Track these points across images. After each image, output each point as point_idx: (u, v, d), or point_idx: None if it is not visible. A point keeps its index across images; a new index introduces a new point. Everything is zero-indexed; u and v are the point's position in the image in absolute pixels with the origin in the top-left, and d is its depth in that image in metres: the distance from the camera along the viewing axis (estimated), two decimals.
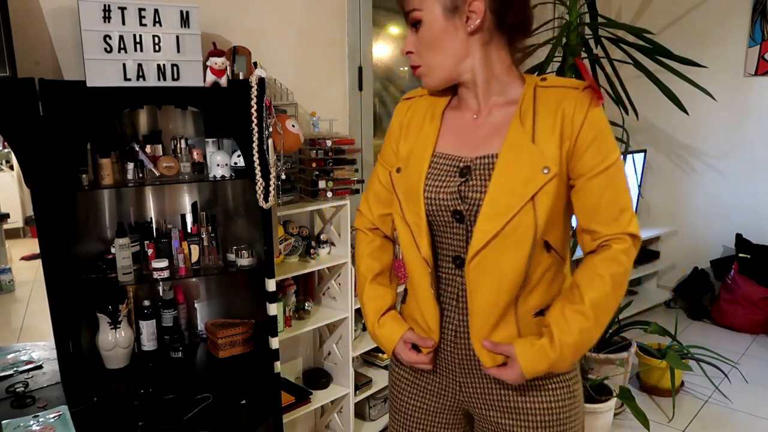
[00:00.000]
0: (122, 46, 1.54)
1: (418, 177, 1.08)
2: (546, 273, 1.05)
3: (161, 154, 1.78)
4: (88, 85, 1.51)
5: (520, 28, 1.06)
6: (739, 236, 3.74)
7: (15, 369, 1.69)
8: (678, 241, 4.12)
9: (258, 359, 1.88)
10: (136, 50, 1.56)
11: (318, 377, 2.35)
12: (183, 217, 1.91)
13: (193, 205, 1.93)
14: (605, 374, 2.60)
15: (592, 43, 2.53)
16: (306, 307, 2.24)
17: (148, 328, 1.83)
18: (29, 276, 1.76)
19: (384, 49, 2.79)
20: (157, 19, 1.57)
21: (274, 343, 1.87)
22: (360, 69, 2.53)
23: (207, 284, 2.04)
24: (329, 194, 2.15)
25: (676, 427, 2.66)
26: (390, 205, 1.21)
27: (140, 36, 1.56)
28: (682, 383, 2.97)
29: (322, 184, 2.13)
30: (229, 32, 2.02)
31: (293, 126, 1.93)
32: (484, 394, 1.13)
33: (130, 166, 1.70)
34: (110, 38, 1.52)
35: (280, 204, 2.01)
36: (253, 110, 1.70)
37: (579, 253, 1.11)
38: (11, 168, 1.74)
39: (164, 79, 1.60)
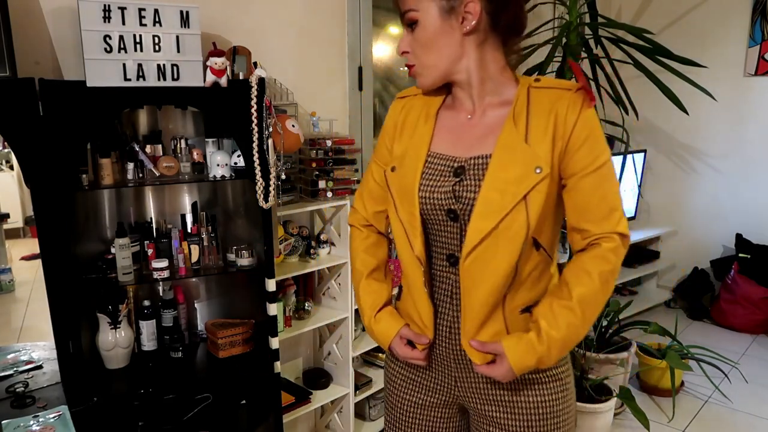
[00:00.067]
0: (122, 46, 1.54)
1: (413, 176, 1.09)
2: (533, 271, 1.07)
3: (161, 154, 1.78)
4: (88, 85, 1.51)
5: (514, 28, 1.07)
6: (739, 236, 3.74)
7: (15, 369, 1.69)
8: (678, 241, 4.12)
9: (258, 359, 1.88)
10: (136, 50, 1.56)
11: (318, 377, 2.35)
12: (183, 217, 1.91)
13: (193, 205, 1.93)
14: (605, 374, 2.60)
15: (592, 43, 2.53)
16: (306, 307, 2.24)
17: (148, 328, 1.83)
18: (29, 276, 1.76)
19: (384, 49, 2.79)
20: (157, 19, 1.57)
21: (274, 343, 1.87)
22: (360, 69, 2.53)
23: (207, 284, 2.04)
24: (329, 194, 2.15)
25: (676, 427, 2.66)
26: (384, 203, 1.23)
27: (140, 36, 1.56)
28: (682, 383, 2.98)
29: (322, 184, 2.13)
30: (229, 32, 2.02)
31: (293, 126, 1.93)
32: (478, 389, 1.15)
33: (130, 166, 1.70)
34: (110, 38, 1.52)
35: (280, 204, 2.01)
36: (253, 110, 1.70)
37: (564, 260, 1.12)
38: (11, 168, 1.74)
39: (164, 79, 1.60)
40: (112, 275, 1.70)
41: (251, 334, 1.92)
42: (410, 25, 1.06)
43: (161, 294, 1.90)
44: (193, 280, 1.99)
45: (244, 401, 1.84)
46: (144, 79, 1.58)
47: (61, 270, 1.53)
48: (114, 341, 1.71)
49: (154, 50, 1.58)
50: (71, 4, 1.54)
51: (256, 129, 1.71)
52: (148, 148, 1.75)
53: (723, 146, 3.85)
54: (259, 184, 1.73)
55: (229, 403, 1.81)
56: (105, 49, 1.52)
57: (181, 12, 1.59)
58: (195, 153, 1.81)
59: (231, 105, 1.70)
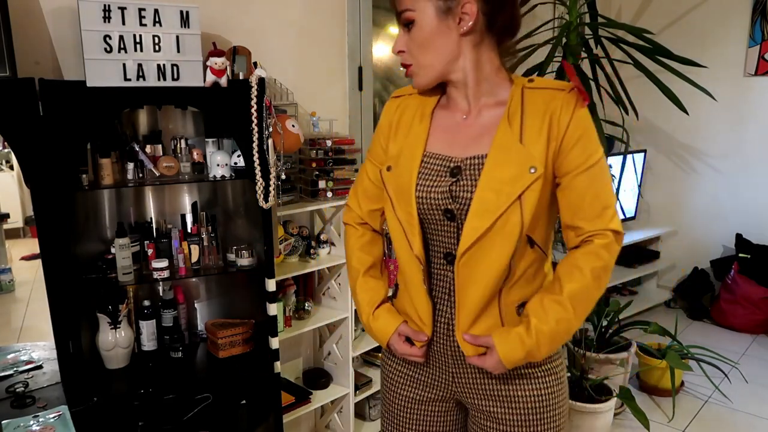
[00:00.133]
0: (122, 46, 1.54)
1: (409, 176, 1.10)
2: (528, 268, 1.09)
3: (161, 154, 1.78)
4: (88, 85, 1.51)
5: (509, 30, 1.09)
6: (739, 236, 3.74)
7: (15, 369, 1.69)
8: (678, 241, 4.12)
9: (258, 359, 1.88)
10: (136, 50, 1.56)
11: (318, 377, 2.35)
12: (183, 217, 1.91)
13: (193, 205, 1.93)
14: (605, 374, 2.60)
15: (592, 43, 2.53)
16: (306, 307, 2.24)
17: (148, 328, 1.83)
18: (29, 276, 1.76)
19: (384, 49, 2.79)
20: (157, 19, 1.57)
21: (274, 343, 1.87)
22: (360, 69, 2.53)
23: (207, 284, 2.04)
24: (329, 194, 2.15)
25: (676, 427, 2.66)
26: (378, 201, 1.24)
27: (140, 36, 1.56)
28: (682, 383, 2.98)
29: (322, 184, 2.14)
30: (229, 32, 2.02)
31: (293, 126, 1.93)
32: (475, 385, 1.16)
33: (130, 166, 1.70)
34: (110, 38, 1.52)
35: (280, 204, 2.01)
36: (253, 110, 1.70)
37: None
38: (11, 168, 1.74)
39: (164, 79, 1.60)
40: (112, 275, 1.70)
41: (251, 334, 1.92)
42: (407, 24, 1.07)
43: (161, 294, 1.90)
44: (193, 280, 1.99)
45: (244, 401, 1.85)
46: (144, 79, 1.58)
47: (61, 270, 1.53)
48: (114, 341, 1.71)
49: (154, 50, 1.58)
50: (71, 4, 1.54)
51: (256, 129, 1.71)
52: (148, 148, 1.75)
53: (723, 146, 3.85)
54: (259, 184, 1.73)
55: (229, 403, 1.81)
56: (105, 49, 1.52)
57: (181, 12, 1.59)
58: (195, 153, 1.81)
59: (231, 105, 1.70)
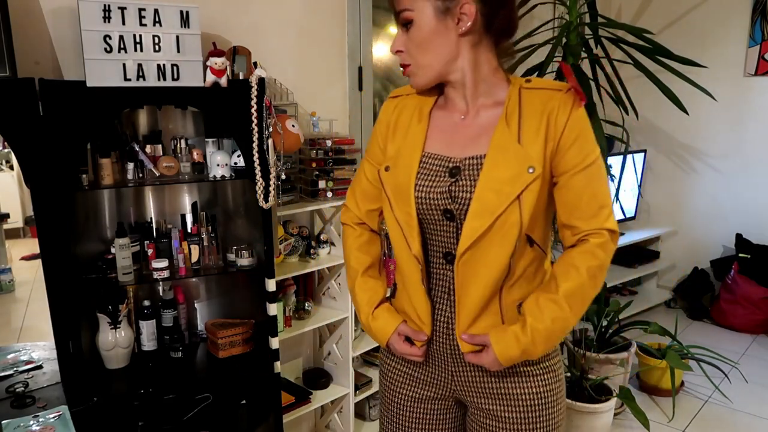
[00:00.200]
0: (122, 46, 1.54)
1: (408, 177, 1.10)
2: (529, 266, 1.10)
3: (161, 154, 1.78)
4: (88, 85, 1.51)
5: (507, 30, 1.09)
6: (739, 236, 3.74)
7: (15, 369, 1.69)
8: (678, 241, 4.12)
9: (258, 359, 1.88)
10: (136, 50, 1.56)
11: (318, 377, 2.35)
12: (183, 217, 1.91)
13: (193, 205, 1.93)
14: (605, 374, 2.60)
15: (592, 43, 2.53)
16: (306, 307, 2.24)
17: (148, 328, 1.83)
18: (29, 276, 1.76)
19: (384, 49, 2.79)
20: (157, 19, 1.57)
21: (274, 343, 1.87)
22: (360, 69, 2.53)
23: (207, 284, 2.04)
24: (329, 194, 2.15)
25: (676, 427, 2.66)
26: (376, 201, 1.24)
27: (140, 36, 1.56)
28: (682, 383, 2.97)
29: (322, 184, 2.14)
30: (229, 32, 2.02)
31: (293, 126, 1.93)
32: (475, 383, 1.17)
33: (130, 166, 1.70)
34: (110, 38, 1.52)
35: (280, 204, 2.01)
36: (253, 110, 1.70)
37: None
38: (11, 168, 1.74)
39: (164, 79, 1.60)
40: (112, 275, 1.70)
41: (251, 334, 1.92)
42: (405, 24, 1.07)
43: (161, 294, 1.90)
44: (193, 280, 1.99)
45: (244, 401, 1.85)
46: (144, 79, 1.58)
47: (61, 270, 1.53)
48: (114, 341, 1.71)
49: (154, 50, 1.58)
50: (71, 4, 1.54)
51: (256, 129, 1.71)
52: (148, 148, 1.75)
53: (723, 146, 3.85)
54: (259, 184, 1.73)
55: (229, 403, 1.81)
56: (105, 49, 1.52)
57: (181, 12, 1.59)
58: (195, 153, 1.81)
59: (231, 105, 1.70)
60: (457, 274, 1.08)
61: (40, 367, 1.71)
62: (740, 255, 3.64)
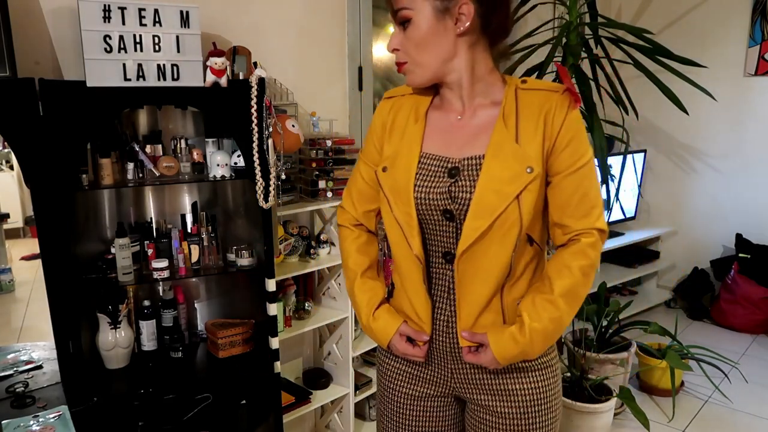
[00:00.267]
0: (122, 46, 1.54)
1: (407, 177, 1.11)
2: (530, 264, 1.12)
3: (161, 154, 1.78)
4: (88, 85, 1.51)
5: (503, 30, 1.11)
6: (739, 236, 3.74)
7: (15, 369, 1.69)
8: (678, 241, 4.12)
9: (258, 359, 1.88)
10: (136, 50, 1.56)
11: (318, 377, 2.35)
12: (183, 217, 1.91)
13: (193, 205, 1.93)
14: (605, 374, 2.60)
15: (592, 43, 2.53)
16: (306, 307, 2.24)
17: (148, 328, 1.83)
18: (29, 276, 1.76)
19: (384, 49, 2.79)
20: (157, 19, 1.57)
21: (274, 343, 1.87)
22: (360, 69, 2.53)
23: (207, 284, 2.04)
24: (329, 194, 2.15)
25: (676, 427, 2.66)
26: (373, 202, 1.25)
27: (140, 36, 1.56)
28: (682, 383, 2.97)
29: (322, 184, 2.14)
30: (229, 32, 2.02)
31: (293, 126, 1.93)
32: (473, 380, 1.18)
33: (130, 166, 1.70)
34: (110, 38, 1.52)
35: (280, 204, 2.01)
36: (253, 110, 1.70)
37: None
38: (11, 168, 1.74)
39: (164, 79, 1.60)
40: (112, 275, 1.70)
41: (251, 334, 1.92)
42: (403, 23, 1.07)
43: (161, 294, 1.90)
44: (193, 280, 1.99)
45: (244, 401, 1.85)
46: (144, 79, 1.58)
47: (61, 270, 1.53)
48: (114, 341, 1.71)
49: (154, 50, 1.58)
50: (71, 4, 1.54)
51: (256, 129, 1.71)
52: (148, 148, 1.75)
53: (723, 146, 3.85)
54: (259, 184, 1.73)
55: (229, 403, 1.82)
56: (105, 49, 1.52)
57: (181, 12, 1.59)
58: (195, 153, 1.81)
59: (231, 105, 1.70)
60: (457, 272, 1.09)
61: (40, 367, 1.71)
62: (740, 255, 3.64)
